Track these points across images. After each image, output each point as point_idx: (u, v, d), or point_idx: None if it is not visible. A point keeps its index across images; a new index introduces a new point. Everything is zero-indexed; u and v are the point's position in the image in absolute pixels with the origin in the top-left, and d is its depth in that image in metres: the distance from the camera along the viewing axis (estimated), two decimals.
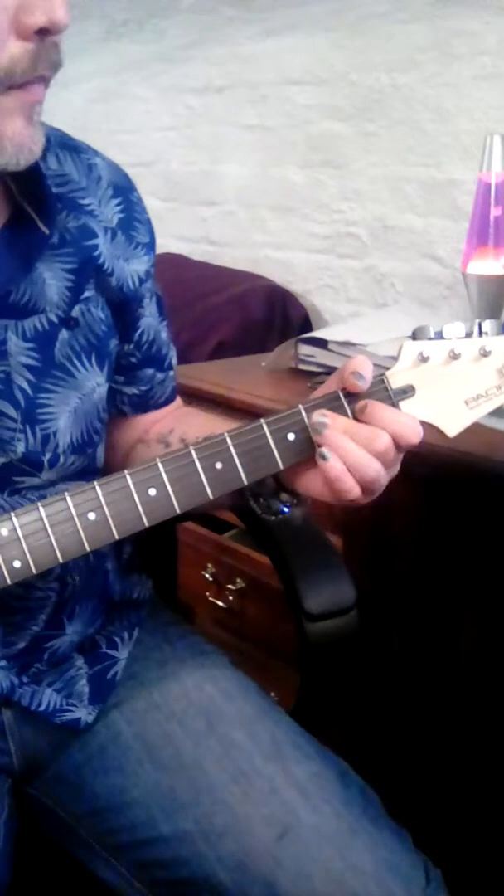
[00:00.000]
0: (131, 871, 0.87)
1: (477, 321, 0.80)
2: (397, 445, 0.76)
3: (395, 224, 1.94)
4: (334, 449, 0.75)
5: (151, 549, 1.09)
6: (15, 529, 0.74)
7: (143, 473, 0.76)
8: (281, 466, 0.78)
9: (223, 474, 0.77)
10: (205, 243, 2.39)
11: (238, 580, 1.59)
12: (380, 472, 0.76)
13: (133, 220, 0.91)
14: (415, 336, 0.79)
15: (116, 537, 0.76)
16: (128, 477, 0.76)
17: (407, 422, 0.76)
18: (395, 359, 0.79)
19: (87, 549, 0.75)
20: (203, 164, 2.36)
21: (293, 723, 0.92)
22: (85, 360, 0.88)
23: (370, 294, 2.01)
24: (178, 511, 0.77)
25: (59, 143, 0.89)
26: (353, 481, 0.75)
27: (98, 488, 0.75)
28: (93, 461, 0.92)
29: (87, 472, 0.90)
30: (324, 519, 1.31)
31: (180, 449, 0.77)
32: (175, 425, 0.97)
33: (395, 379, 0.79)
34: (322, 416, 0.76)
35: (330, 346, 1.58)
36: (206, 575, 1.63)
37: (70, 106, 2.56)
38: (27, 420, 0.84)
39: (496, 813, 1.32)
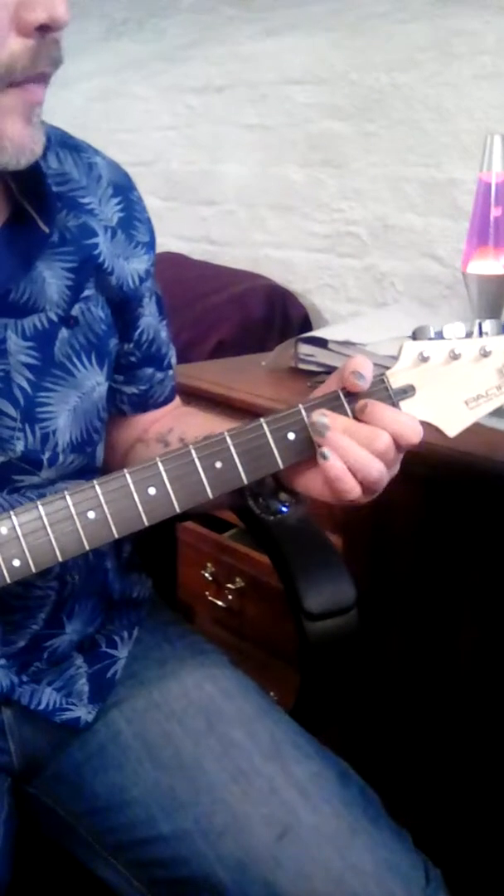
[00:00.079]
0: (131, 870, 0.86)
1: (477, 321, 0.80)
2: (397, 445, 0.76)
3: (395, 223, 1.94)
4: (334, 449, 0.75)
5: (151, 548, 1.09)
6: (14, 528, 0.74)
7: (143, 472, 0.76)
8: (281, 466, 0.78)
9: (223, 473, 0.77)
10: (205, 243, 2.39)
11: (238, 579, 1.59)
12: (380, 472, 0.76)
13: (133, 219, 0.91)
14: (415, 336, 0.79)
15: (116, 536, 0.76)
16: (127, 476, 0.76)
17: (407, 421, 0.76)
18: (395, 358, 0.79)
19: (87, 547, 0.75)
20: (203, 163, 2.36)
21: (293, 722, 0.92)
22: (84, 359, 0.88)
23: (370, 293, 2.01)
24: (177, 510, 0.77)
25: (60, 142, 0.89)
26: (353, 481, 0.75)
27: (97, 487, 0.75)
28: (92, 460, 0.92)
29: (87, 471, 0.90)
30: (324, 518, 1.31)
31: (180, 448, 0.77)
32: (174, 425, 0.97)
33: (396, 379, 0.79)
34: (322, 416, 0.76)
35: (330, 346, 1.58)
36: (206, 574, 1.63)
37: (70, 105, 2.56)
38: (27, 419, 0.84)
39: (496, 813, 1.32)
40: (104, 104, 2.60)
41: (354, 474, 0.75)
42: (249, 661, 1.32)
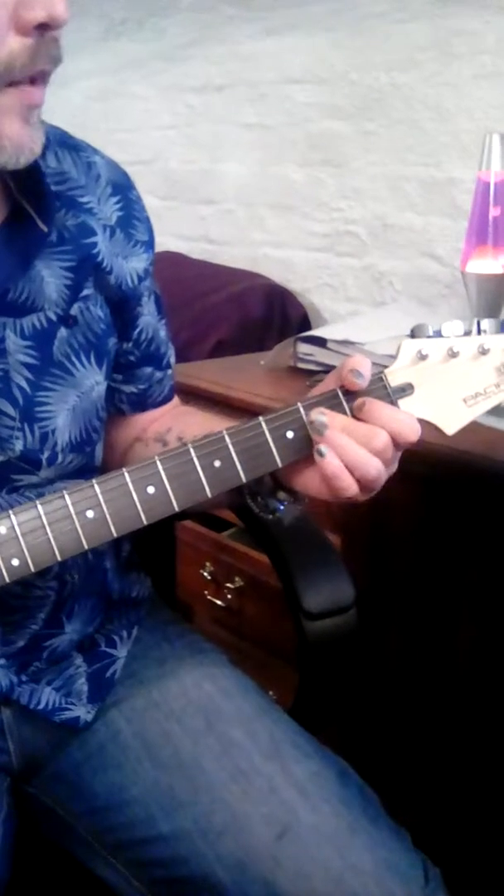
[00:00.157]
0: (130, 870, 0.86)
1: (476, 320, 0.80)
2: (396, 443, 0.76)
3: (394, 223, 1.94)
4: (333, 447, 0.75)
5: (150, 548, 1.09)
6: (13, 527, 0.73)
7: (142, 471, 0.76)
8: (279, 464, 0.78)
9: (222, 472, 0.77)
10: (204, 242, 2.39)
11: (237, 579, 1.59)
12: (378, 471, 0.76)
13: (132, 218, 0.91)
14: (413, 334, 0.79)
15: (115, 535, 0.76)
16: (126, 475, 0.76)
17: (405, 420, 0.76)
18: (393, 357, 0.79)
19: (86, 547, 0.75)
20: (202, 162, 2.36)
21: (292, 721, 0.92)
22: (83, 359, 0.87)
23: (369, 293, 2.01)
24: (176, 509, 0.77)
25: (59, 141, 0.89)
26: (350, 478, 0.75)
27: (96, 486, 0.75)
28: (91, 459, 0.91)
29: (86, 471, 0.89)
30: (322, 518, 1.31)
31: (179, 447, 0.77)
32: (173, 424, 0.97)
33: (394, 377, 0.79)
34: (321, 415, 0.76)
35: (329, 345, 1.58)
36: (205, 573, 1.63)
37: (69, 104, 2.56)
38: (25, 418, 0.84)
39: (496, 812, 1.32)
40: (103, 103, 2.60)
41: (352, 472, 0.75)
42: (248, 661, 1.32)
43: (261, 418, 0.77)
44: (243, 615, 1.60)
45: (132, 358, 0.96)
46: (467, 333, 0.79)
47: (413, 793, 1.39)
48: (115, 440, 0.99)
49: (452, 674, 1.35)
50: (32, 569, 0.74)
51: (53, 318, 0.85)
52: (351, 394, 0.77)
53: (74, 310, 0.86)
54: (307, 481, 0.79)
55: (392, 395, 0.78)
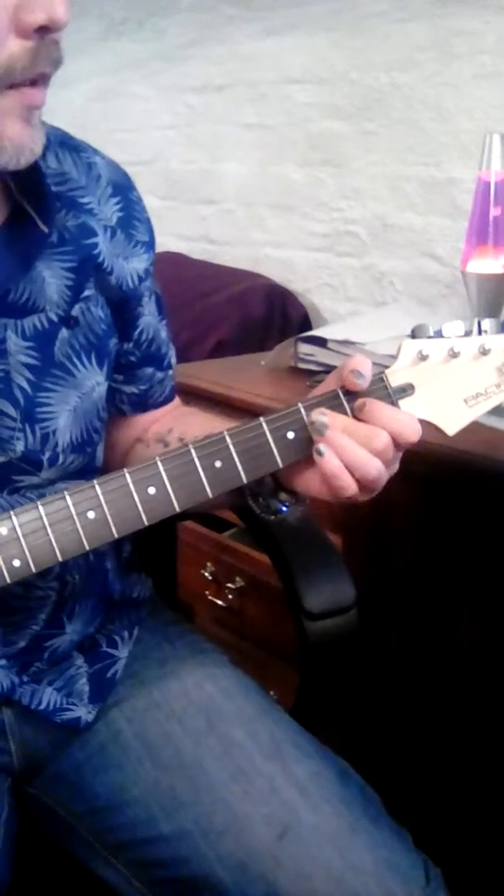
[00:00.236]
0: (131, 870, 0.86)
1: (476, 320, 0.80)
2: (396, 444, 0.76)
3: (394, 223, 1.94)
4: (334, 448, 0.75)
5: (151, 548, 1.09)
6: (14, 528, 0.74)
7: (143, 472, 0.76)
8: (280, 465, 0.78)
9: (222, 473, 0.77)
10: (204, 242, 2.39)
11: (238, 579, 1.59)
12: (379, 471, 0.76)
13: (132, 218, 0.91)
14: (414, 334, 0.79)
15: (116, 536, 0.76)
16: (127, 475, 0.76)
17: (406, 420, 0.76)
18: (394, 357, 0.79)
19: (87, 547, 0.75)
20: (202, 162, 2.36)
21: (293, 722, 0.92)
22: (84, 359, 0.88)
23: (369, 293, 2.01)
24: (177, 510, 0.77)
25: (59, 141, 0.89)
26: (349, 478, 0.75)
27: (97, 487, 0.75)
28: (92, 460, 0.92)
29: (87, 472, 0.89)
30: (323, 518, 1.31)
31: (180, 447, 0.77)
32: (174, 425, 0.97)
33: (395, 377, 0.79)
34: (321, 415, 0.76)
35: (329, 345, 1.58)
36: (206, 574, 1.63)
37: (69, 105, 2.56)
38: (27, 419, 0.84)
39: (496, 812, 1.32)
40: (103, 104, 2.60)
41: (352, 473, 0.75)
42: (249, 661, 1.32)
43: (262, 419, 0.77)
44: (244, 615, 1.60)
45: (133, 358, 0.96)
46: (468, 334, 0.79)
47: (413, 793, 1.39)
48: (115, 441, 0.99)
49: (453, 674, 1.35)
50: (34, 569, 0.74)
51: (54, 318, 0.85)
52: (352, 394, 0.77)
53: (75, 311, 0.86)
54: (308, 482, 0.79)
55: (393, 396, 0.78)
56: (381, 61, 1.90)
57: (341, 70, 1.98)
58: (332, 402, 0.77)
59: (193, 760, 0.87)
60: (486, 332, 0.79)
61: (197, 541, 1.65)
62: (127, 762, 0.88)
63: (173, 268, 2.21)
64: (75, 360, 0.87)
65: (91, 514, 0.75)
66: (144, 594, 1.02)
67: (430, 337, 0.79)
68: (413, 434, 0.76)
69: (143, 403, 0.99)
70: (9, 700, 0.89)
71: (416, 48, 1.83)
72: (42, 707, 0.90)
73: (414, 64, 1.84)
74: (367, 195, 1.98)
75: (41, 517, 0.74)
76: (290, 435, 0.77)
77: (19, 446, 0.84)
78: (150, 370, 0.98)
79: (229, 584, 1.60)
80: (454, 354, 0.78)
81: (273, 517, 0.84)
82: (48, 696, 0.90)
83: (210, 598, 1.63)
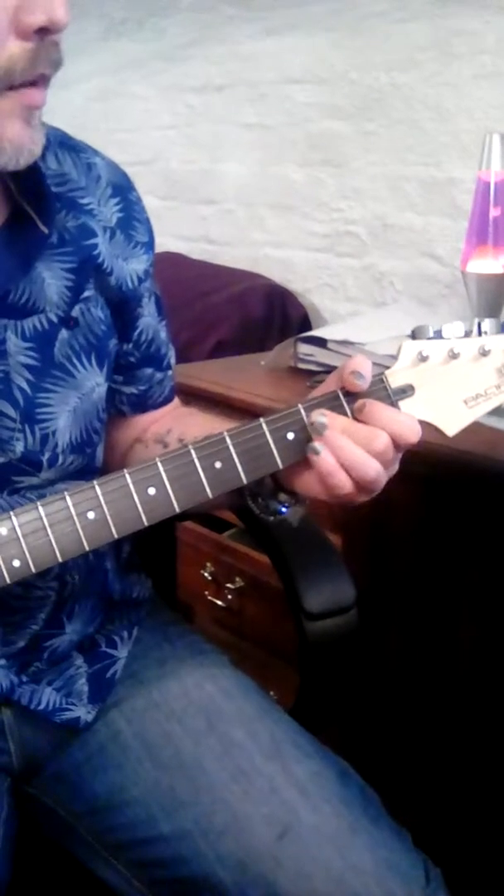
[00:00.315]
0: (131, 870, 0.87)
1: (476, 320, 0.80)
2: (396, 445, 0.76)
3: (394, 223, 1.94)
4: (333, 449, 0.75)
5: (151, 548, 1.09)
6: (14, 529, 0.74)
7: (143, 472, 0.76)
8: (280, 466, 0.78)
9: (222, 473, 0.77)
10: (204, 242, 2.39)
11: (237, 579, 1.59)
12: (379, 472, 0.76)
13: (132, 219, 0.91)
14: (414, 335, 0.79)
15: (116, 536, 0.76)
16: (127, 476, 0.76)
17: (406, 421, 0.76)
18: (394, 358, 0.79)
19: (87, 548, 0.75)
20: (202, 162, 2.36)
21: (293, 722, 0.92)
22: (84, 360, 0.88)
23: (369, 293, 2.01)
24: (177, 510, 0.77)
25: (59, 142, 0.89)
26: (344, 476, 0.75)
27: (97, 487, 0.75)
28: (92, 461, 0.92)
29: (86, 472, 0.90)
30: (323, 518, 1.31)
31: (180, 448, 0.77)
32: (173, 425, 0.97)
33: (395, 378, 0.79)
34: (321, 416, 0.76)
35: (329, 345, 1.58)
36: (206, 574, 1.63)
37: (69, 105, 2.56)
38: (26, 420, 0.84)
39: (496, 812, 1.32)
40: (103, 104, 2.60)
41: (350, 473, 0.75)
42: (249, 661, 1.33)
43: (261, 419, 0.77)
44: (244, 616, 1.60)
45: (132, 359, 0.96)
46: (468, 334, 0.79)
47: (413, 793, 1.39)
48: (115, 441, 0.99)
49: (453, 674, 1.35)
50: (33, 570, 0.74)
51: (54, 319, 0.85)
52: (352, 395, 0.77)
53: (75, 311, 0.86)
54: (308, 482, 0.79)
55: (392, 397, 0.78)
56: (381, 61, 1.90)
57: (341, 70, 1.98)
58: (332, 402, 0.77)
59: (193, 760, 0.87)
60: (485, 332, 0.79)
61: (197, 541, 1.65)
62: (126, 762, 0.88)
63: (173, 268, 2.21)
64: (75, 360, 0.87)
65: (91, 515, 0.75)
66: (144, 594, 1.02)
67: (429, 338, 0.79)
68: (413, 435, 0.76)
69: (143, 404, 1.00)
70: (8, 700, 0.89)
71: (416, 48, 1.83)
72: (41, 707, 0.90)
73: (414, 64, 1.84)
74: (367, 195, 1.98)
75: (41, 517, 0.74)
76: (290, 436, 0.77)
77: (19, 447, 0.84)
78: (149, 371, 0.98)
79: (229, 585, 1.60)
80: (454, 355, 0.78)
81: (273, 518, 0.84)
82: (48, 696, 0.90)
83: (210, 598, 1.63)
